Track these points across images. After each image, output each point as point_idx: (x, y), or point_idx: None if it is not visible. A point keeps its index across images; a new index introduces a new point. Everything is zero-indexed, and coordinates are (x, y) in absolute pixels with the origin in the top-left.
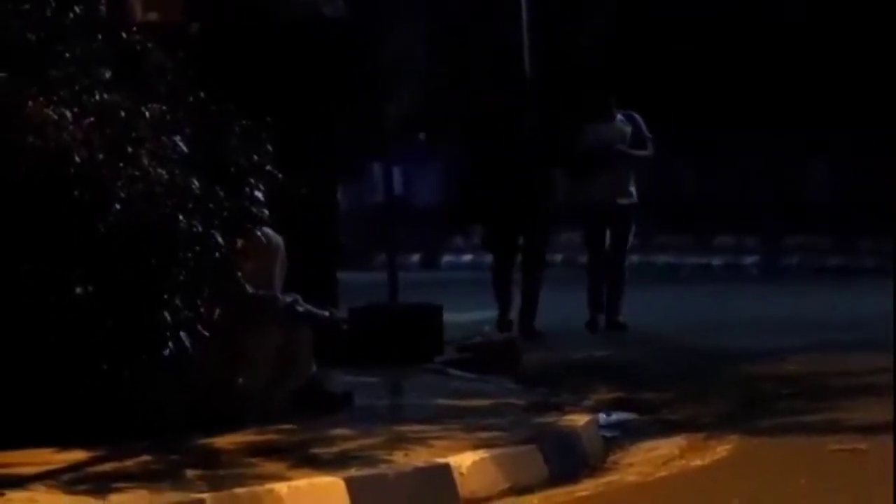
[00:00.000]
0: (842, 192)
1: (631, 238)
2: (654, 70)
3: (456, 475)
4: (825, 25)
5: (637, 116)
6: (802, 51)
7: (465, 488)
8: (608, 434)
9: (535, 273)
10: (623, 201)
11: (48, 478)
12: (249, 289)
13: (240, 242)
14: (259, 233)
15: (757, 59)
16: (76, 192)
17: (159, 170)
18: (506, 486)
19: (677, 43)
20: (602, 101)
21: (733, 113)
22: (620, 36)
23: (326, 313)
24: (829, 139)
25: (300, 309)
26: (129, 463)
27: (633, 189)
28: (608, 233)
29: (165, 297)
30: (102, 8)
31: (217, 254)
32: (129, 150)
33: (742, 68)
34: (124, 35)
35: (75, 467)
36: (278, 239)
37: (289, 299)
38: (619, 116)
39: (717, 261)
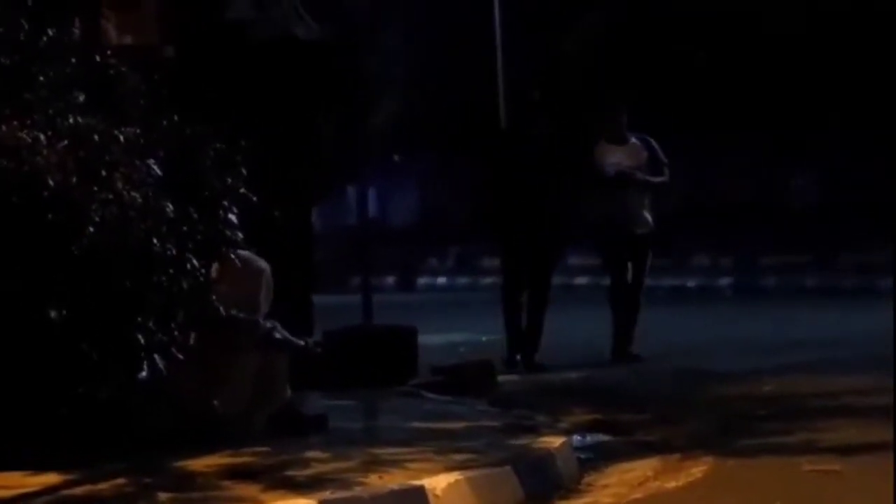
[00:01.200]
0: (821, 210)
1: (648, 267)
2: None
3: (431, 497)
4: (809, 39)
5: (652, 140)
6: (793, 61)
7: None
8: (583, 456)
9: (541, 299)
10: (639, 230)
11: (23, 501)
12: (223, 311)
13: (214, 265)
14: (239, 256)
15: (742, 69)
16: (50, 216)
17: (133, 193)
18: None
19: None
20: (615, 122)
21: (712, 125)
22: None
23: (302, 343)
24: (810, 155)
25: (278, 336)
26: (103, 486)
27: (649, 216)
28: (626, 258)
29: (139, 319)
30: (76, 31)
31: (191, 277)
32: (103, 173)
33: (725, 77)
34: (98, 58)
35: (50, 490)
36: (262, 263)
37: (268, 325)
38: (633, 139)
39: (692, 282)
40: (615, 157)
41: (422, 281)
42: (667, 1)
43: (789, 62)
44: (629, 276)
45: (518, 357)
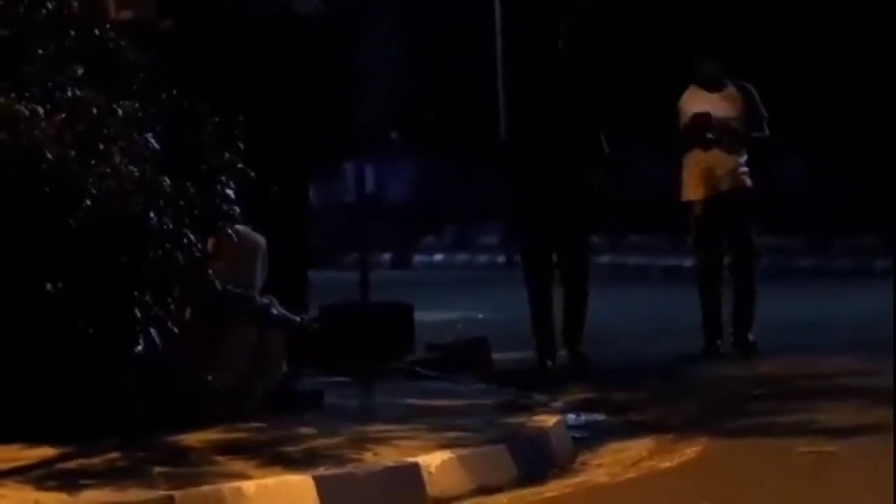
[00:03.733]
0: (814, 192)
1: (751, 235)
2: (631, 64)
3: (425, 475)
4: (804, 27)
5: (751, 88)
6: (783, 49)
7: (433, 488)
8: (577, 435)
9: (579, 287)
10: (729, 188)
11: (17, 474)
12: (219, 286)
13: (211, 241)
14: (236, 231)
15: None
16: (47, 189)
17: (130, 167)
18: (474, 486)
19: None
20: (708, 62)
21: None
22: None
23: (298, 319)
24: (803, 139)
25: (274, 312)
26: (96, 460)
27: (745, 175)
28: (724, 231)
29: (136, 294)
30: (75, 5)
31: (188, 251)
32: (101, 146)
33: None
34: (97, 32)
35: (44, 463)
36: (258, 238)
37: (264, 301)
38: (730, 86)
39: (688, 262)
40: (702, 106)
41: (418, 258)
42: None
43: (780, 50)
44: (729, 247)
45: (549, 363)
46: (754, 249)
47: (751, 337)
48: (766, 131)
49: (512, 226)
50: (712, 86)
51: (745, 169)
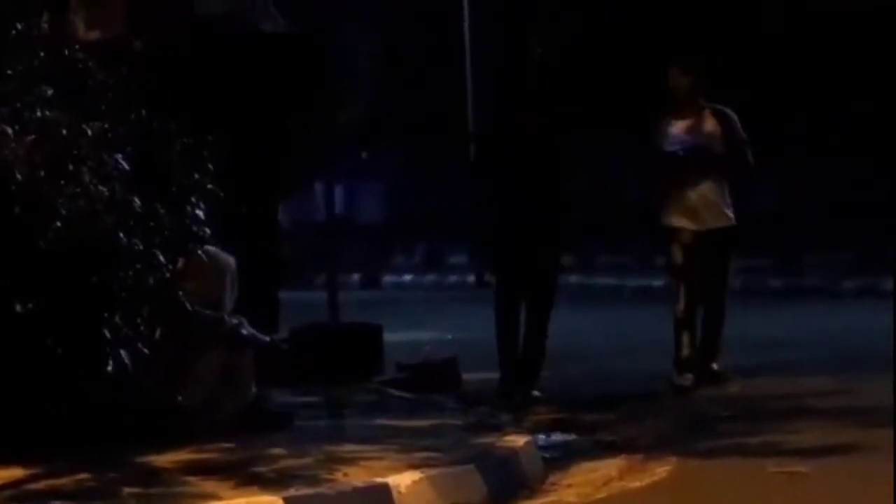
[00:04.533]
0: (785, 211)
1: (728, 268)
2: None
3: (395, 494)
4: (804, 27)
5: (730, 112)
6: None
7: None
8: (547, 455)
9: (543, 308)
10: (716, 222)
11: None
12: (189, 307)
13: (181, 261)
14: (206, 252)
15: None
16: (17, 209)
17: (100, 187)
18: None
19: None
20: (679, 83)
21: None
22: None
23: (268, 339)
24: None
25: (244, 332)
26: (66, 480)
27: (727, 208)
28: (700, 260)
29: (106, 314)
30: (44, 25)
31: (158, 272)
32: (71, 167)
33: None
34: (66, 52)
35: (14, 484)
36: (228, 259)
37: (234, 321)
38: (705, 109)
39: (658, 282)
40: (679, 130)
41: (388, 279)
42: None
43: (780, 50)
44: (706, 277)
45: (514, 390)
46: (728, 285)
47: (715, 366)
48: (750, 157)
49: (480, 242)
50: (688, 109)
51: (729, 202)
